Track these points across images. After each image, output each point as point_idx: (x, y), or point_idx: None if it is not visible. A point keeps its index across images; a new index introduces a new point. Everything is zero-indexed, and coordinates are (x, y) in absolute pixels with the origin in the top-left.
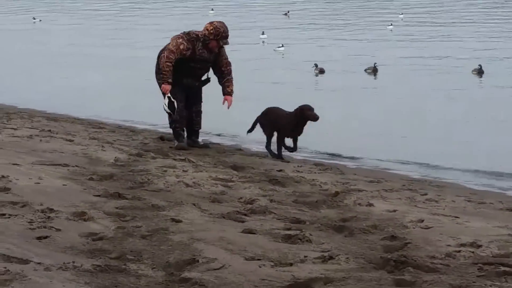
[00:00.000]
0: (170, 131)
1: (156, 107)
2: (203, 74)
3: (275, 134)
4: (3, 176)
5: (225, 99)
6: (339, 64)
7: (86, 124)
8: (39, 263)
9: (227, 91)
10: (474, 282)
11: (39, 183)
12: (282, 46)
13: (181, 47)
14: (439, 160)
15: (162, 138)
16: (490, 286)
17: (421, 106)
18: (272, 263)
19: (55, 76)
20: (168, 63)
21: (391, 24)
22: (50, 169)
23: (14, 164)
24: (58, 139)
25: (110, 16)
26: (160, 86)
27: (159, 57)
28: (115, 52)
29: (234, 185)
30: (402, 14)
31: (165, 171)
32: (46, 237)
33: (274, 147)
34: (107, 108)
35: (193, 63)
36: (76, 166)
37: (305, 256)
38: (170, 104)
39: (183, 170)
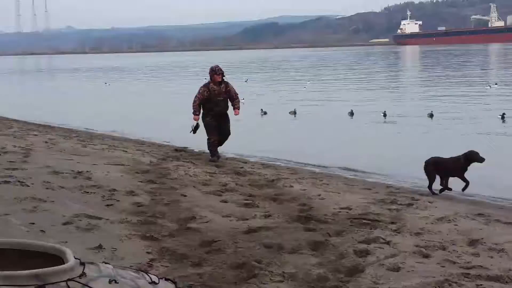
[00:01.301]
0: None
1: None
2: (226, 104)
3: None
4: (87, 171)
5: (235, 112)
6: None
7: (134, 142)
8: (107, 219)
9: (236, 107)
10: (348, 228)
11: (107, 175)
12: None
13: (201, 91)
14: (332, 162)
15: (176, 150)
16: (356, 230)
17: None
18: (237, 219)
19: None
20: (195, 104)
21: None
22: (114, 167)
23: (94, 164)
24: (119, 151)
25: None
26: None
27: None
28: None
29: (216, 175)
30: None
31: (178, 168)
32: (111, 205)
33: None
34: (150, 128)
35: (214, 99)
36: (128, 165)
37: (255, 215)
38: (195, 129)
39: (188, 167)
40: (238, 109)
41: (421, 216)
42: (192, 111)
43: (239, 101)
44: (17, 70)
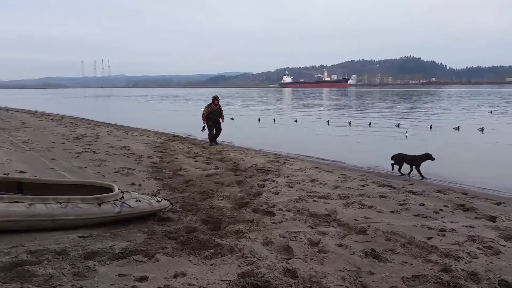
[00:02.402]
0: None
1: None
2: (218, 116)
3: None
4: (128, 146)
5: (222, 120)
6: None
7: (153, 132)
8: (137, 170)
9: (222, 117)
10: (255, 174)
11: (138, 148)
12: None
13: (207, 108)
14: (249, 144)
15: (174, 136)
16: (259, 175)
17: None
18: (202, 169)
19: None
20: (204, 115)
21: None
22: (141, 144)
23: (131, 142)
24: (144, 136)
25: None
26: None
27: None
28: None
29: (193, 148)
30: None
31: (174, 145)
32: (139, 163)
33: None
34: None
35: (213, 112)
36: (149, 143)
37: (210, 168)
38: (204, 128)
39: (179, 144)
40: (223, 119)
41: (289, 168)
42: (202, 119)
43: (223, 115)
44: (99, 95)
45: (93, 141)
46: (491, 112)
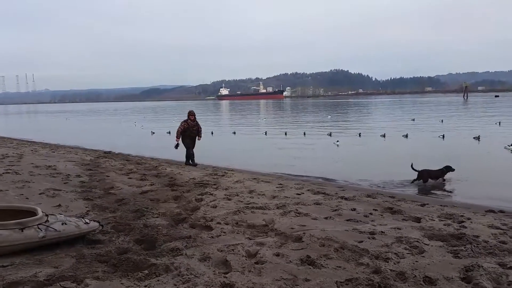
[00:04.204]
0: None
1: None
2: (195, 134)
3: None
4: (54, 165)
5: (199, 138)
6: None
7: (82, 148)
8: (64, 190)
9: (199, 136)
10: (192, 188)
11: (66, 166)
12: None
13: (183, 124)
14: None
15: (105, 152)
16: (197, 189)
17: None
18: (136, 186)
19: None
20: (178, 132)
21: None
22: (69, 162)
23: (58, 161)
24: (72, 154)
25: None
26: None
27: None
28: None
29: (126, 165)
30: None
31: (105, 162)
32: (67, 182)
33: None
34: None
35: (190, 129)
36: (77, 161)
37: (145, 184)
38: (177, 146)
39: (110, 161)
40: (200, 137)
41: (228, 180)
42: (176, 136)
43: (201, 133)
44: (22, 111)
45: (15, 161)
46: (413, 120)
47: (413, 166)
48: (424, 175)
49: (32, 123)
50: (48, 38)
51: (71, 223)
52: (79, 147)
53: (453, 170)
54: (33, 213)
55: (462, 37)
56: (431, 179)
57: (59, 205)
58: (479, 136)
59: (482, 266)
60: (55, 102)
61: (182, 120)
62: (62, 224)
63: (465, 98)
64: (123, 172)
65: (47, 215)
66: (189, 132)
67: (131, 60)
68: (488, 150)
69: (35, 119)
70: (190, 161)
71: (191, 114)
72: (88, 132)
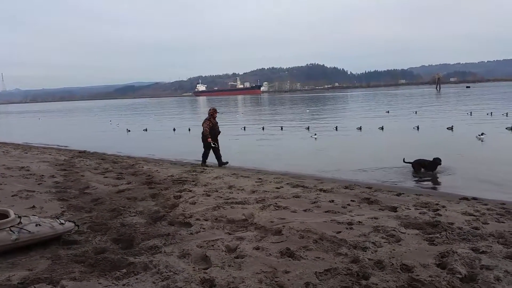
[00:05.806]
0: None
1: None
2: (219, 132)
3: None
4: (27, 166)
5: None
6: None
7: (56, 148)
8: (38, 191)
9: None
10: (171, 186)
11: (39, 167)
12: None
13: (207, 123)
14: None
15: (79, 152)
16: (175, 186)
17: None
18: (112, 185)
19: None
20: (207, 132)
21: None
22: (42, 163)
23: (31, 162)
24: (46, 154)
25: None
26: (205, 139)
27: (203, 126)
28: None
29: (102, 164)
30: None
31: (80, 161)
32: (40, 183)
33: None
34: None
35: (214, 127)
36: (51, 161)
37: (122, 183)
38: (215, 144)
39: (85, 161)
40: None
41: (207, 177)
42: (207, 136)
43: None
44: None
45: None
46: (388, 112)
47: (405, 160)
48: (415, 166)
49: (3, 124)
50: (16, 37)
51: (45, 224)
52: (53, 147)
53: (440, 163)
54: (5, 215)
55: (434, 32)
56: (423, 168)
57: (33, 207)
58: (452, 126)
59: (456, 252)
60: (26, 102)
61: (205, 119)
62: (36, 225)
63: (438, 89)
64: (99, 171)
65: (20, 217)
66: (213, 131)
67: (104, 57)
68: (461, 140)
69: (6, 120)
70: (218, 161)
71: (215, 111)
72: (62, 131)
